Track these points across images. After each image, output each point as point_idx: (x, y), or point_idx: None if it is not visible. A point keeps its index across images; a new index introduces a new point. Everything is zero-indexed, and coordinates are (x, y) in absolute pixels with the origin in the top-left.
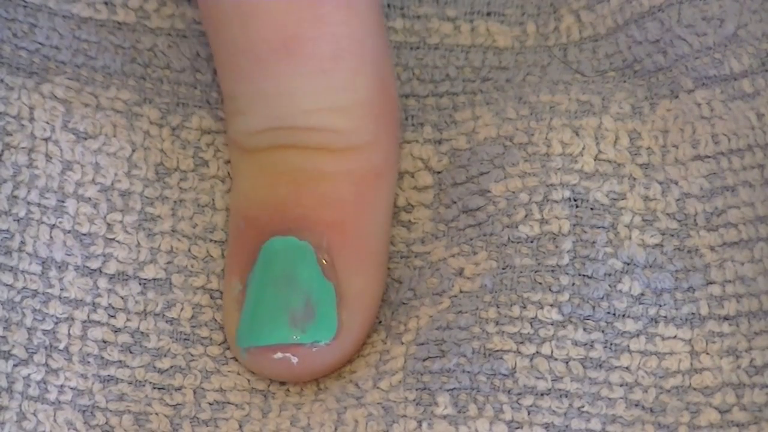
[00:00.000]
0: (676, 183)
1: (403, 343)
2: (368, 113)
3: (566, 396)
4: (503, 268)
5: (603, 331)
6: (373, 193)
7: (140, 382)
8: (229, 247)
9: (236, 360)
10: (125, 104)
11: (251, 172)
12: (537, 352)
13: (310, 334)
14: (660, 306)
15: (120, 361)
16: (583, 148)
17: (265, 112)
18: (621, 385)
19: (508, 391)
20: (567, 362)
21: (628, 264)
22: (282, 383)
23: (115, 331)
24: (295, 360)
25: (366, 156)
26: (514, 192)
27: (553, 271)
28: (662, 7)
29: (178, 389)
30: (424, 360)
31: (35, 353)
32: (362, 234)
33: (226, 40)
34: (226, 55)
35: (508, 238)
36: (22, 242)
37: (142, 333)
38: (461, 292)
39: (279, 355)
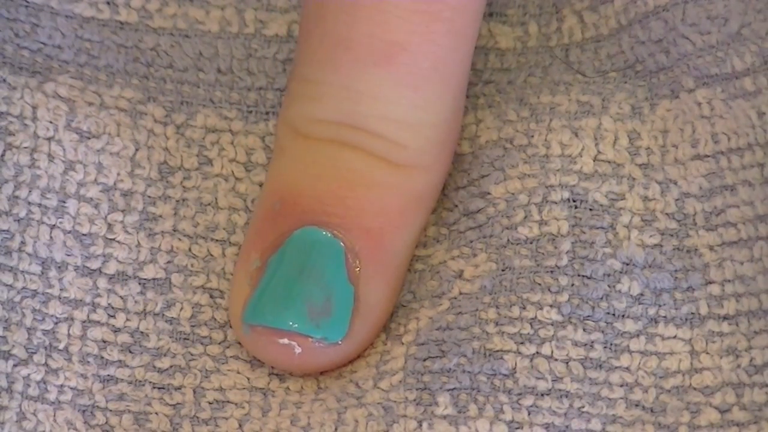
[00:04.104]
0: (676, 183)
1: (403, 344)
2: (436, 138)
3: (566, 396)
4: (503, 270)
5: (603, 332)
6: (415, 213)
7: (140, 381)
8: (255, 222)
9: (236, 359)
10: (129, 103)
11: (302, 158)
12: (537, 353)
13: (323, 330)
14: (659, 306)
15: (120, 361)
16: (582, 149)
17: (340, 105)
18: (621, 386)
19: (509, 392)
20: (567, 362)
21: (627, 264)
22: (282, 382)
23: (115, 331)
24: (298, 350)
25: (420, 177)
26: (513, 194)
27: (552, 271)
28: (667, 7)
29: (178, 389)
30: (424, 360)
31: (35, 353)
32: (393, 249)
33: (327, 28)
34: (320, 42)
35: (508, 240)
36: (23, 242)
37: (141, 333)
38: (461, 293)
39: (285, 340)
